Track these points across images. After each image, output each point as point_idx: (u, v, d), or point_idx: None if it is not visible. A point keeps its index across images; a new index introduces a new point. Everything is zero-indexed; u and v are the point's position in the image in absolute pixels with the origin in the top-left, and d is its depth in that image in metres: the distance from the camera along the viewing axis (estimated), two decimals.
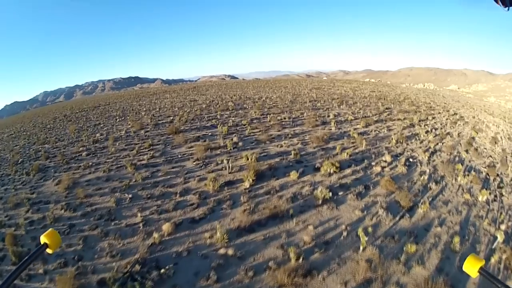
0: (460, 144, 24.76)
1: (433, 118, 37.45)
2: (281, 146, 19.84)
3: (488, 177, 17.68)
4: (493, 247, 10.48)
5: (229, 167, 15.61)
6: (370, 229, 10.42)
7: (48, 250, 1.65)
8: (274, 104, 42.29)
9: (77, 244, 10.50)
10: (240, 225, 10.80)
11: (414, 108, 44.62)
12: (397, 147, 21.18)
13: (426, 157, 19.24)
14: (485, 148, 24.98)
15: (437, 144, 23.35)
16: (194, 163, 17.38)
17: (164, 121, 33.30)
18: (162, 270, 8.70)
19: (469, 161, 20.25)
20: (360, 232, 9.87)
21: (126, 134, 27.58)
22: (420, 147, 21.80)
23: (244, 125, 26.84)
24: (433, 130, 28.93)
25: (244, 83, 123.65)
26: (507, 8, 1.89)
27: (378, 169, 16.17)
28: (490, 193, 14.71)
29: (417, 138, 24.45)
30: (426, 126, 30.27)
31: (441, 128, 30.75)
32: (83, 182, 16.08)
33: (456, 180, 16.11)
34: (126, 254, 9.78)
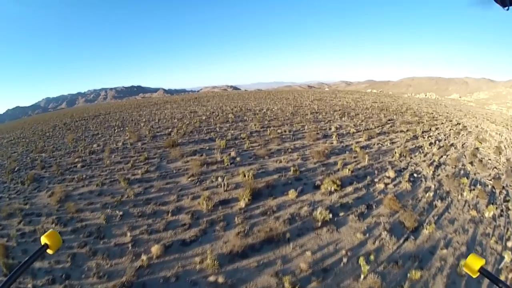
0: (465, 155, 24.19)
1: (436, 128, 36.86)
2: (280, 161, 19.17)
3: (494, 190, 17.14)
4: (500, 267, 10.00)
5: (224, 184, 14.98)
6: (372, 255, 9.69)
7: (49, 251, 1.65)
8: (275, 116, 41.84)
9: (65, 261, 10.14)
10: (233, 250, 10.12)
11: (417, 119, 44.02)
12: (400, 161, 20.47)
13: (431, 172, 18.54)
14: (490, 159, 24.44)
15: (442, 156, 22.68)
16: (189, 179, 16.78)
17: (162, 133, 32.92)
18: None
19: (474, 174, 19.63)
20: (361, 260, 9.15)
21: (123, 146, 27.26)
22: (424, 161, 21.13)
23: (243, 138, 26.29)
24: (437, 141, 28.28)
25: (246, 94, 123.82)
26: (507, 8, 1.82)
27: (381, 186, 15.44)
28: (496, 208, 14.15)
29: (421, 151, 23.76)
30: (429, 138, 29.63)
31: (445, 139, 30.10)
32: (75, 196, 15.81)
33: (462, 195, 15.48)
34: (113, 276, 9.29)
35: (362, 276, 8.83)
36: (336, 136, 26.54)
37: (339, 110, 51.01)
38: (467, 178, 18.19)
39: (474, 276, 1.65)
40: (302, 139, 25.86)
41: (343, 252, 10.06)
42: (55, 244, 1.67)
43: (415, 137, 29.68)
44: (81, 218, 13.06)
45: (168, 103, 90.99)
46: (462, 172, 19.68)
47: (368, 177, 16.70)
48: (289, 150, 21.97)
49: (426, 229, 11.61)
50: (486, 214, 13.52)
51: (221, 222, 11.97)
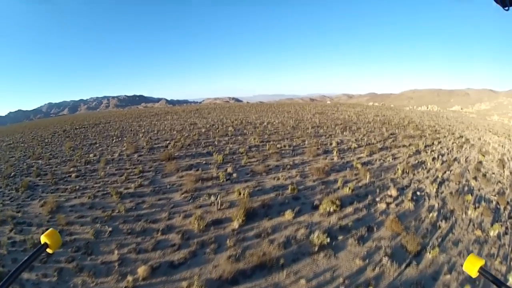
0: (468, 170, 23.55)
1: (439, 142, 36.26)
2: (278, 178, 18.59)
3: (498, 206, 16.52)
4: None
5: (218, 203, 14.41)
6: (371, 284, 9.04)
7: (49, 250, 1.62)
8: (275, 130, 41.49)
9: (52, 275, 9.89)
10: (223, 275, 9.51)
11: (419, 133, 43.48)
12: (403, 178, 19.84)
13: (434, 189, 17.88)
14: (493, 173, 23.80)
15: (445, 172, 22.04)
16: (183, 195, 16.29)
17: (160, 145, 32.67)
18: None
19: (479, 190, 18.97)
20: None
21: (119, 157, 27.05)
22: (427, 177, 20.49)
23: (241, 153, 25.83)
24: (440, 156, 27.65)
25: (247, 107, 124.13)
26: (507, 8, 1.75)
27: (383, 206, 14.77)
28: (501, 225, 13.57)
29: (424, 167, 23.13)
30: (432, 152, 29.00)
31: (448, 154, 29.48)
32: (67, 207, 15.55)
33: (466, 213, 14.84)
34: None
35: None
36: (337, 152, 26.01)
37: (341, 124, 50.64)
38: (471, 194, 17.52)
39: (473, 276, 1.64)
40: (302, 155, 25.34)
41: (340, 280, 9.40)
42: (55, 243, 1.64)
43: (418, 152, 29.07)
44: (71, 232, 12.72)
45: (169, 114, 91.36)
46: (466, 188, 19.01)
47: (369, 196, 16.05)
48: (288, 166, 21.40)
49: (429, 253, 10.95)
50: (491, 233, 12.93)
51: (212, 244, 11.36)
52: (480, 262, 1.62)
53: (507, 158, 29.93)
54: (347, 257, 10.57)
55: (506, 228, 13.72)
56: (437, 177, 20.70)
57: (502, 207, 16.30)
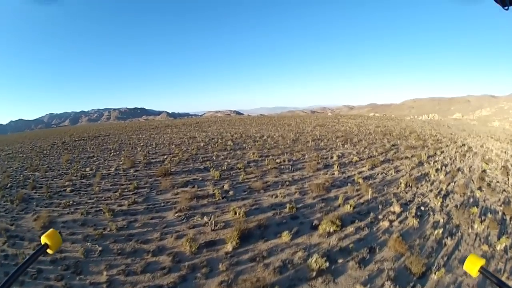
0: (472, 180, 23.03)
1: (442, 152, 35.74)
2: (276, 196, 18.01)
3: (504, 217, 15.99)
4: None
5: (212, 223, 13.84)
6: None
7: (49, 251, 1.62)
8: (275, 144, 41.10)
9: None
10: None
11: (421, 143, 42.95)
12: (406, 192, 19.23)
13: (439, 203, 17.24)
14: (498, 181, 23.33)
15: (449, 184, 21.44)
16: (176, 214, 15.78)
17: (157, 159, 32.40)
18: None
19: (484, 201, 18.40)
20: None
21: (115, 172, 26.83)
22: (431, 190, 19.88)
23: (239, 169, 25.34)
24: (443, 167, 27.03)
25: (248, 120, 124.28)
26: (506, 8, 1.68)
27: (386, 224, 14.11)
28: (507, 237, 12.94)
29: (427, 179, 22.53)
30: (435, 163, 28.41)
31: (451, 164, 28.91)
32: (59, 223, 15.32)
33: (472, 228, 14.23)
34: None
35: None
36: (337, 166, 25.45)
37: (342, 136, 50.23)
38: (477, 206, 16.89)
39: (474, 276, 1.64)
40: (301, 170, 24.82)
41: None
42: (55, 244, 1.65)
43: (421, 163, 28.50)
44: (61, 249, 12.34)
45: (168, 127, 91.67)
46: (471, 200, 18.42)
47: (372, 213, 15.39)
48: (287, 183, 20.84)
49: (435, 274, 10.28)
50: (498, 247, 12.36)
51: (203, 268, 10.72)
52: (481, 262, 1.61)
53: (511, 165, 29.36)
54: (347, 283, 9.88)
55: None
56: (441, 189, 20.09)
57: (508, 218, 15.82)
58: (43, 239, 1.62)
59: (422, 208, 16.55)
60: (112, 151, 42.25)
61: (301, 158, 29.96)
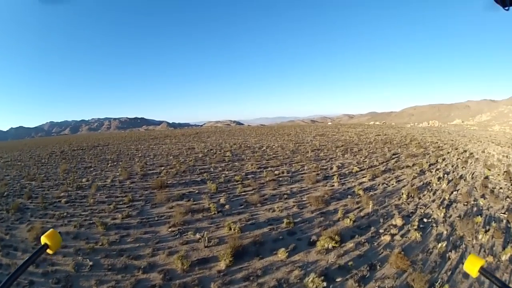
0: (475, 187, 22.61)
1: (443, 159, 35.31)
2: (274, 210, 17.43)
3: (509, 224, 15.54)
4: None
5: (205, 239, 13.31)
6: None
7: (49, 251, 1.61)
8: (274, 155, 40.68)
9: None
10: None
11: (422, 151, 42.54)
12: (408, 203, 18.68)
13: (442, 214, 16.70)
14: (501, 187, 22.88)
15: (452, 193, 20.94)
16: (170, 229, 15.24)
17: (154, 171, 31.92)
18: None
19: (487, 209, 17.96)
20: None
21: (111, 184, 26.38)
22: (434, 200, 19.36)
23: (237, 181, 24.82)
24: (445, 175, 26.60)
25: (247, 130, 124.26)
26: (507, 8, 1.71)
27: (387, 238, 13.53)
28: None
29: (430, 189, 22.02)
30: (437, 172, 27.95)
31: (453, 171, 28.46)
32: None
33: (476, 238, 13.73)
34: None
35: None
36: (337, 177, 24.93)
37: (342, 145, 49.83)
38: (481, 215, 16.44)
39: (474, 276, 1.61)
40: (300, 182, 24.31)
41: None
42: (55, 244, 1.62)
43: (422, 172, 28.01)
44: (53, 262, 12.04)
45: (168, 138, 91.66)
46: (475, 209, 17.93)
47: (372, 227, 14.85)
48: (285, 196, 20.28)
49: None
50: (503, 257, 11.92)
51: (195, 287, 10.20)
52: (481, 262, 1.57)
53: None
54: None
55: None
56: (444, 199, 19.57)
57: None
58: (43, 239, 1.59)
59: (425, 219, 16.01)
60: (110, 161, 42.05)
61: (300, 169, 29.48)
